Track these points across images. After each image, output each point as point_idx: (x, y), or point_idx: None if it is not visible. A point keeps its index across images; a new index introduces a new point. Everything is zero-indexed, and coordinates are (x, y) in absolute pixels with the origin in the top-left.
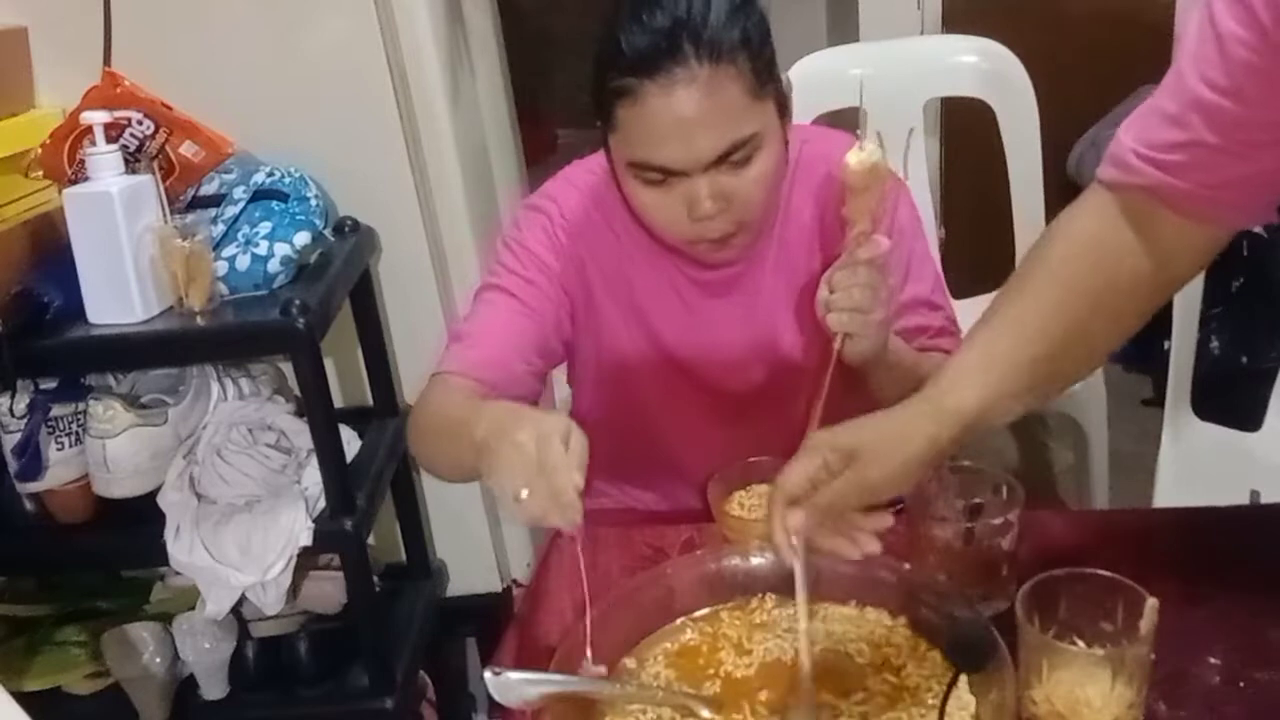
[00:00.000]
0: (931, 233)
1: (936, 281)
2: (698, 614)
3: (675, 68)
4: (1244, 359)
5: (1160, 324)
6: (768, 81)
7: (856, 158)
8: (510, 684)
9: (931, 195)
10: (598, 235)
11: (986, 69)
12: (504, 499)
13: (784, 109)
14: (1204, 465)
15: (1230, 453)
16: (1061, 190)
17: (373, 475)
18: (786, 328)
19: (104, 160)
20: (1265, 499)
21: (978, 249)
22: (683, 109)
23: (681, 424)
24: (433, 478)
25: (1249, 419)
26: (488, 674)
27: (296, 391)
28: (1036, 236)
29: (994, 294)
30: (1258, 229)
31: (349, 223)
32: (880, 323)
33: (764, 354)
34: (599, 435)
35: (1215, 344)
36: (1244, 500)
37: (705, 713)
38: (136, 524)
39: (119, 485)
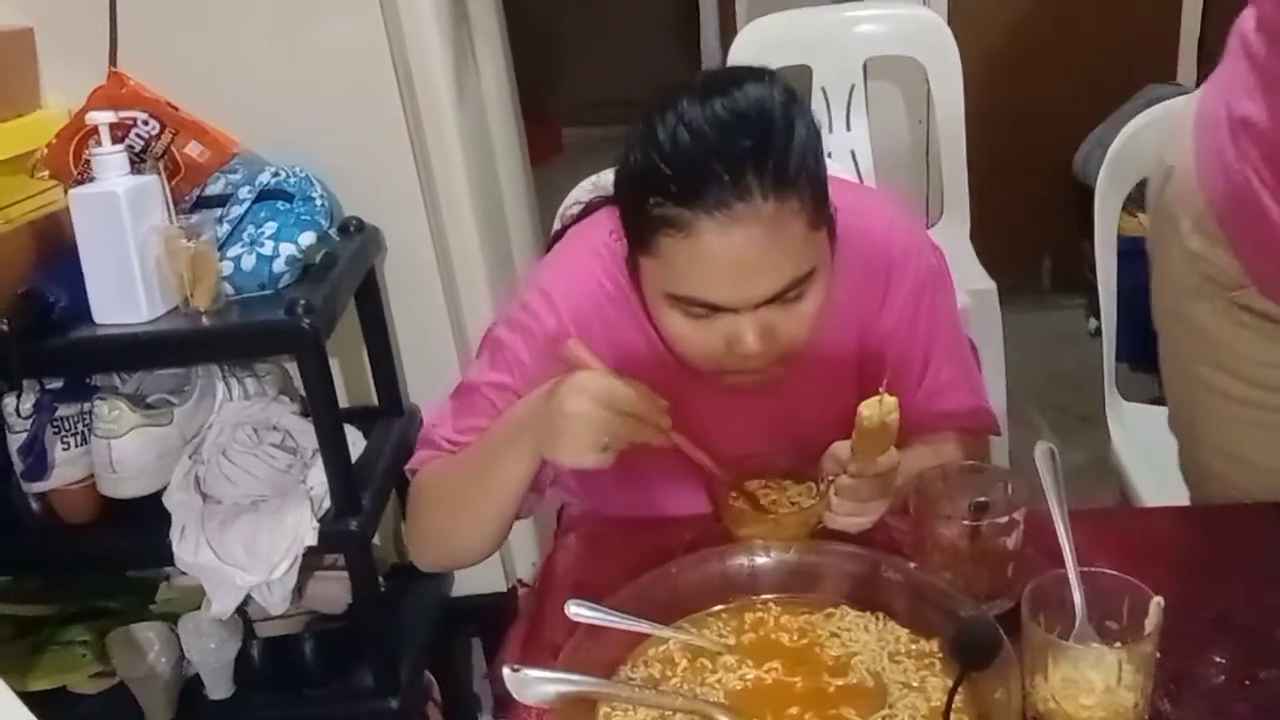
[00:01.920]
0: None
1: (968, 363)
2: (698, 615)
3: (737, 203)
4: None
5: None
6: (823, 208)
7: (871, 410)
8: (528, 681)
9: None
10: (610, 320)
11: (917, 30)
12: (586, 457)
13: (833, 232)
14: (1154, 441)
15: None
16: (1068, 190)
17: (378, 475)
18: (816, 416)
19: (109, 160)
20: None
21: None
22: (742, 249)
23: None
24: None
25: None
26: (506, 670)
27: (302, 391)
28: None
29: None
30: None
31: (354, 222)
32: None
33: (783, 440)
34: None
35: None
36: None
37: (723, 718)
38: (142, 524)
39: (124, 485)
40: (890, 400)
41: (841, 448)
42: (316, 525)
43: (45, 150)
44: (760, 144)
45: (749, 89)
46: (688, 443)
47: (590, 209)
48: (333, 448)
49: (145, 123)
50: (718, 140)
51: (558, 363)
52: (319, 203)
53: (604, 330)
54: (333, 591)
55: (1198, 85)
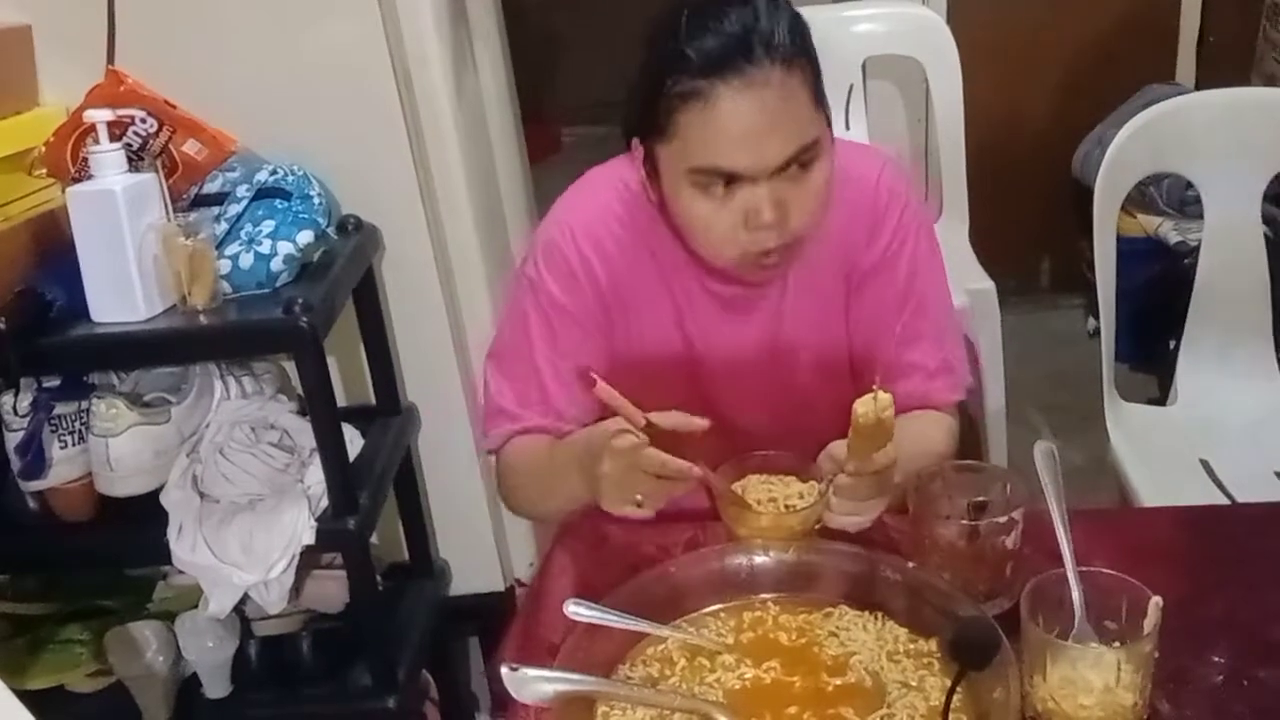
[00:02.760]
0: None
1: (943, 319)
2: (697, 614)
3: (750, 68)
4: None
5: (1165, 324)
6: (822, 91)
7: (866, 407)
8: (526, 680)
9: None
10: (627, 256)
11: (916, 30)
12: (625, 509)
13: (830, 122)
14: (1152, 440)
15: (1170, 426)
16: (1067, 190)
17: (375, 474)
18: (805, 346)
19: (107, 158)
20: (1215, 466)
21: None
22: (755, 112)
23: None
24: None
25: None
26: (504, 669)
27: (299, 390)
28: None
29: None
30: (1267, 230)
31: (352, 221)
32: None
33: (778, 369)
34: None
35: None
36: (1196, 470)
37: (722, 718)
38: (139, 523)
39: (122, 484)
40: (885, 397)
41: (838, 447)
42: (314, 524)
43: (43, 148)
44: (765, 23)
45: None
46: (711, 474)
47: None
48: (330, 446)
49: (143, 121)
50: (730, 22)
51: (584, 292)
52: (317, 201)
53: (617, 251)
54: (330, 590)
55: (1197, 85)
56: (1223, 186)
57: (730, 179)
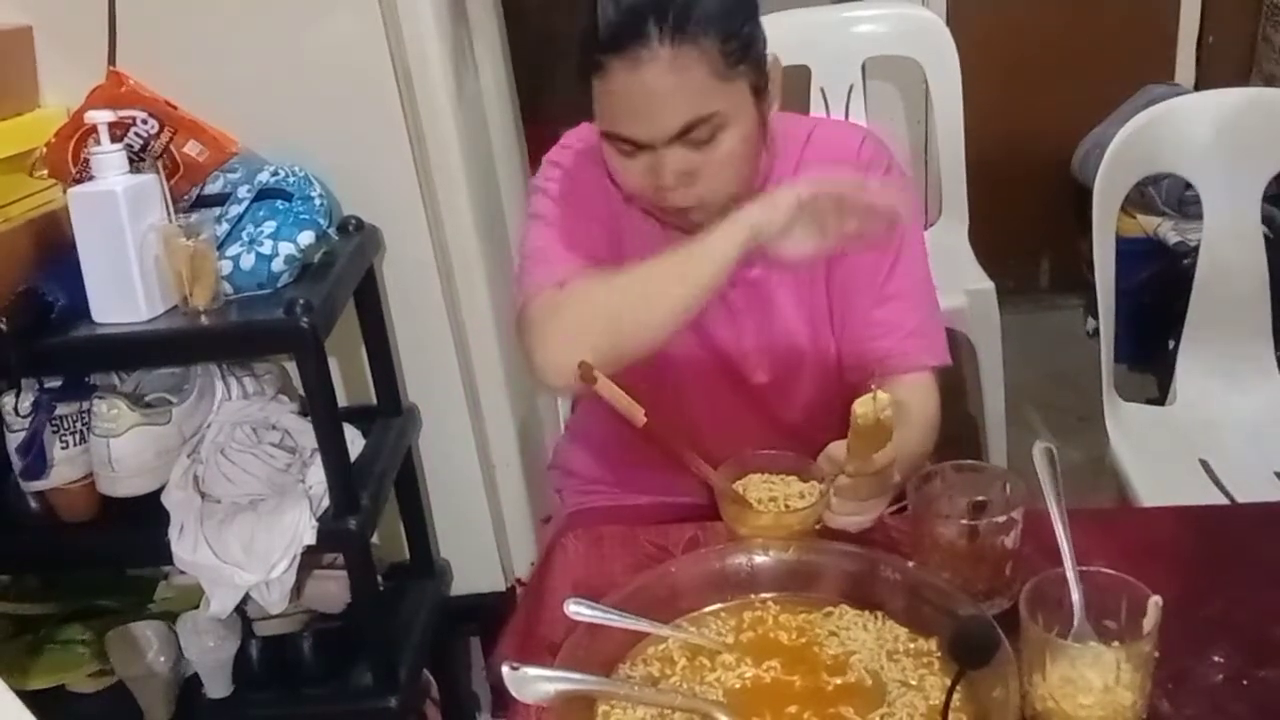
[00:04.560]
0: None
1: (920, 283)
2: (697, 613)
3: (639, 48)
4: None
5: (1164, 324)
6: (739, 63)
7: (865, 408)
8: (527, 679)
9: None
10: (615, 200)
11: (915, 31)
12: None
13: (759, 90)
14: (1151, 440)
15: (1169, 426)
16: (1066, 190)
17: (377, 474)
18: (788, 306)
19: (108, 159)
20: (1214, 466)
21: None
22: (644, 85)
23: (681, 405)
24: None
25: None
26: (505, 668)
27: (300, 391)
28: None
29: None
30: (1266, 231)
31: (353, 222)
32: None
33: (765, 331)
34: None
35: None
36: (1195, 470)
37: (723, 718)
38: (140, 523)
39: (123, 484)
40: (884, 397)
41: (838, 448)
42: (315, 524)
43: (44, 149)
44: (661, 2)
45: None
46: (613, 386)
47: None
48: (331, 447)
49: (144, 122)
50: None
51: (584, 191)
52: (318, 202)
53: (607, 183)
54: (331, 590)
55: (1196, 86)
56: (1222, 187)
57: (632, 143)
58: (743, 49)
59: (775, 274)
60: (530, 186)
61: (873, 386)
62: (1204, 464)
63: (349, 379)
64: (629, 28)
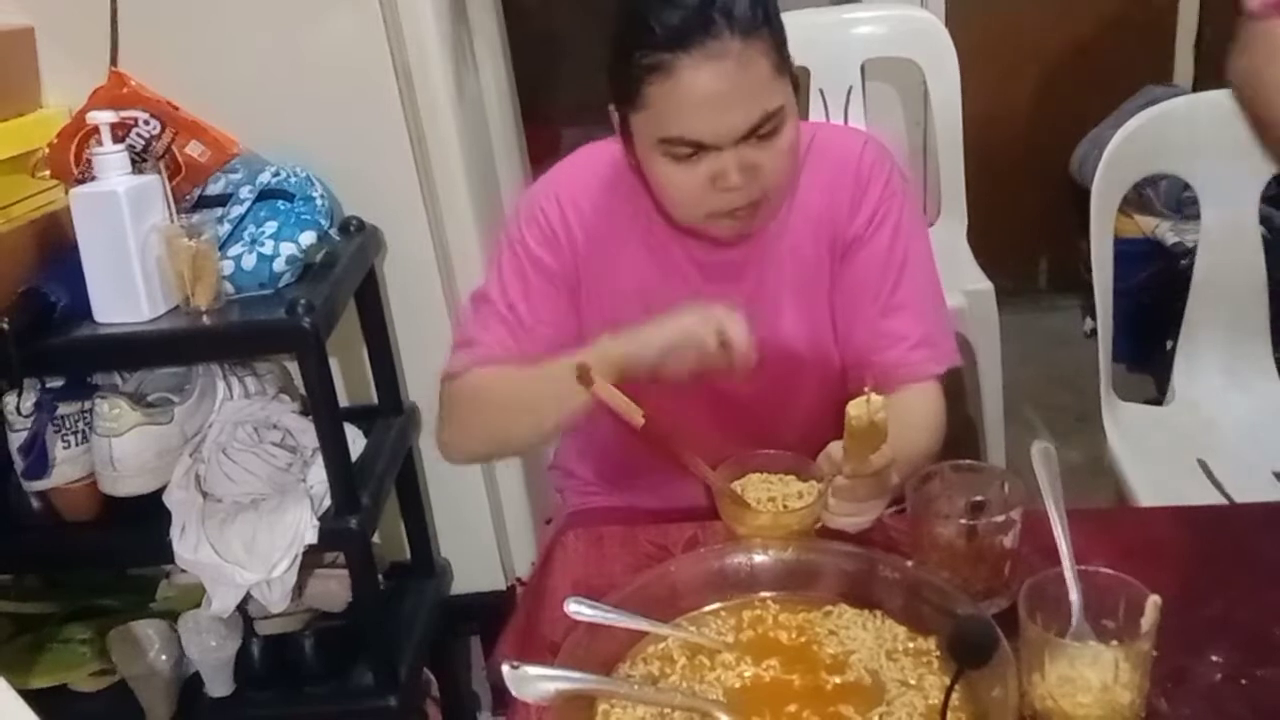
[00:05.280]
0: None
1: (926, 291)
2: (697, 612)
3: (710, 41)
4: None
5: (1162, 324)
6: (786, 58)
7: (859, 410)
8: (527, 678)
9: None
10: (608, 221)
11: (914, 32)
12: (677, 339)
13: (797, 87)
14: (1150, 439)
15: (1168, 425)
16: (1065, 191)
17: (377, 474)
18: (790, 316)
19: (110, 160)
20: (1213, 466)
21: None
22: (716, 82)
23: (682, 415)
24: (455, 460)
25: None
26: (505, 667)
27: (302, 390)
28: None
29: None
30: (1264, 231)
31: (354, 222)
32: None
33: (765, 341)
34: (598, 430)
35: None
36: (1194, 470)
37: (723, 717)
38: (142, 522)
39: (125, 483)
40: (878, 399)
41: (837, 449)
42: (316, 523)
43: (46, 150)
44: None
45: None
46: (613, 390)
47: None
48: (333, 446)
49: (146, 122)
50: None
51: (562, 252)
52: (319, 202)
53: (598, 218)
54: (333, 589)
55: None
56: (1220, 187)
57: (697, 146)
58: (784, 44)
59: (776, 288)
60: (507, 226)
61: (866, 389)
62: (1202, 464)
63: (350, 379)
64: (696, 23)
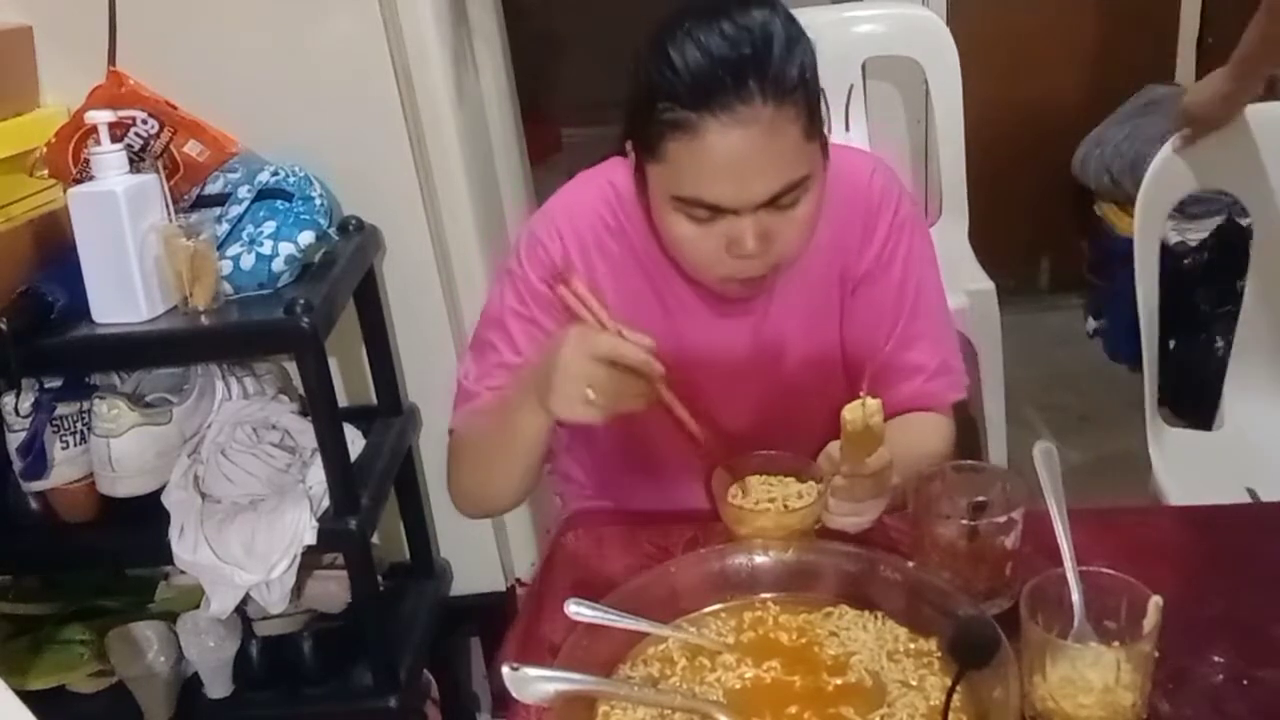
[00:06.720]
0: None
1: (940, 318)
2: (697, 613)
3: (739, 106)
4: None
5: (1163, 324)
6: (818, 121)
7: (854, 414)
8: (527, 679)
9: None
10: (611, 255)
11: (915, 30)
12: (576, 409)
13: (826, 148)
14: (1196, 466)
15: (1215, 452)
16: (1066, 190)
17: (377, 474)
18: (798, 347)
19: (109, 159)
20: (1263, 495)
21: None
22: (742, 149)
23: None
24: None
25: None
26: (505, 669)
27: (301, 391)
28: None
29: None
30: None
31: (353, 222)
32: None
33: (769, 372)
34: (598, 448)
35: (1220, 344)
36: (1242, 499)
37: (723, 718)
38: (141, 523)
39: (123, 484)
40: (873, 403)
41: (836, 448)
42: (315, 524)
43: (44, 149)
44: (762, 54)
45: (754, 12)
46: (677, 401)
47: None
48: (332, 447)
49: (144, 122)
50: (724, 50)
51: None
52: (318, 202)
53: (600, 250)
54: (332, 590)
55: None
56: (1272, 205)
57: (714, 210)
58: (818, 104)
59: (783, 306)
60: (502, 269)
61: (861, 393)
62: (1251, 492)
63: (349, 379)
64: (727, 83)
